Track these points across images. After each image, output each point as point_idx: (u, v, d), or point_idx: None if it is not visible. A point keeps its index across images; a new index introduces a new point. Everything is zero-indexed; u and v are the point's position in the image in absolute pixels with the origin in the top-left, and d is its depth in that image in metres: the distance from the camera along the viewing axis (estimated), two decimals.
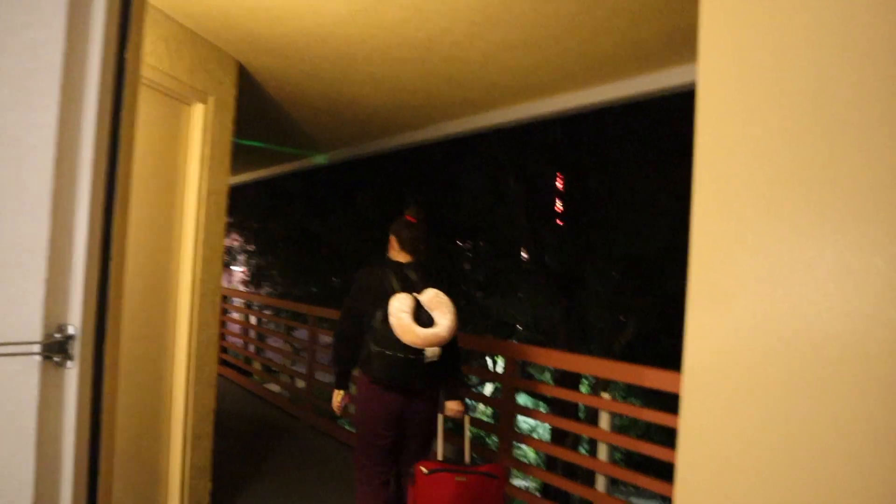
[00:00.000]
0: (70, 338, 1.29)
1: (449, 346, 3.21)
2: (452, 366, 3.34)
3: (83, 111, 1.30)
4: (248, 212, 14.16)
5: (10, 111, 1.28)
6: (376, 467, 3.40)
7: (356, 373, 3.37)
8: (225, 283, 20.08)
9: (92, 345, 1.32)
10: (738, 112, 1.15)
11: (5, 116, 1.28)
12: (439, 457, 3.34)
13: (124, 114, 1.37)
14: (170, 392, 3.56)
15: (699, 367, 1.18)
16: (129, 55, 1.37)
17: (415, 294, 3.17)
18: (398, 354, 3.08)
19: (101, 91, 1.31)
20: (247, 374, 8.51)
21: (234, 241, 15.44)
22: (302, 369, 7.10)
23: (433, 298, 3.17)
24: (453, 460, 3.40)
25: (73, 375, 1.29)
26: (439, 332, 3.08)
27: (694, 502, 1.18)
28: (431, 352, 3.11)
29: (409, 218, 3.38)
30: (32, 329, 1.25)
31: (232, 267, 17.43)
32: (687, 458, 1.20)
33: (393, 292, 3.15)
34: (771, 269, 1.07)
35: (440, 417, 3.35)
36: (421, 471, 3.14)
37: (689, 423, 1.19)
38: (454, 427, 4.03)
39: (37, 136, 1.26)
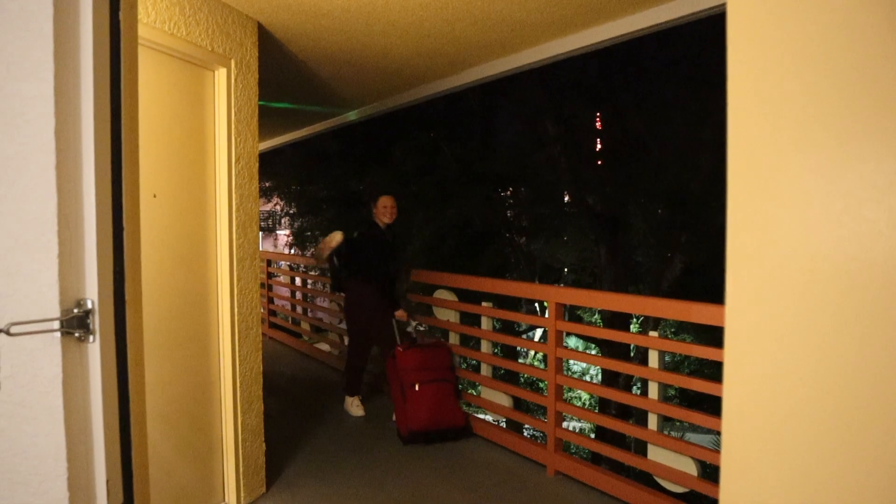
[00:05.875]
0: (89, 312, 1.27)
1: None
2: None
3: (80, 77, 1.26)
4: (287, 174, 14.15)
5: (5, 84, 1.24)
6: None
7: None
8: (271, 248, 20.32)
9: (112, 317, 1.31)
10: (771, 33, 1.05)
11: (2, 90, 1.24)
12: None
13: (124, 76, 1.33)
14: (217, 358, 3.60)
15: (743, 298, 1.12)
16: (123, 16, 1.32)
17: None
18: None
19: (97, 55, 1.26)
20: (297, 335, 8.63)
21: (277, 205, 15.47)
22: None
23: None
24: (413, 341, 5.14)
25: (95, 349, 1.27)
26: None
27: (741, 436, 1.14)
28: None
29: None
30: (50, 306, 1.23)
31: (277, 231, 17.54)
32: (733, 390, 1.15)
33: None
34: (813, 196, 0.98)
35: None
36: (399, 350, 4.88)
37: (734, 354, 1.14)
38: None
39: (35, 109, 1.22)
